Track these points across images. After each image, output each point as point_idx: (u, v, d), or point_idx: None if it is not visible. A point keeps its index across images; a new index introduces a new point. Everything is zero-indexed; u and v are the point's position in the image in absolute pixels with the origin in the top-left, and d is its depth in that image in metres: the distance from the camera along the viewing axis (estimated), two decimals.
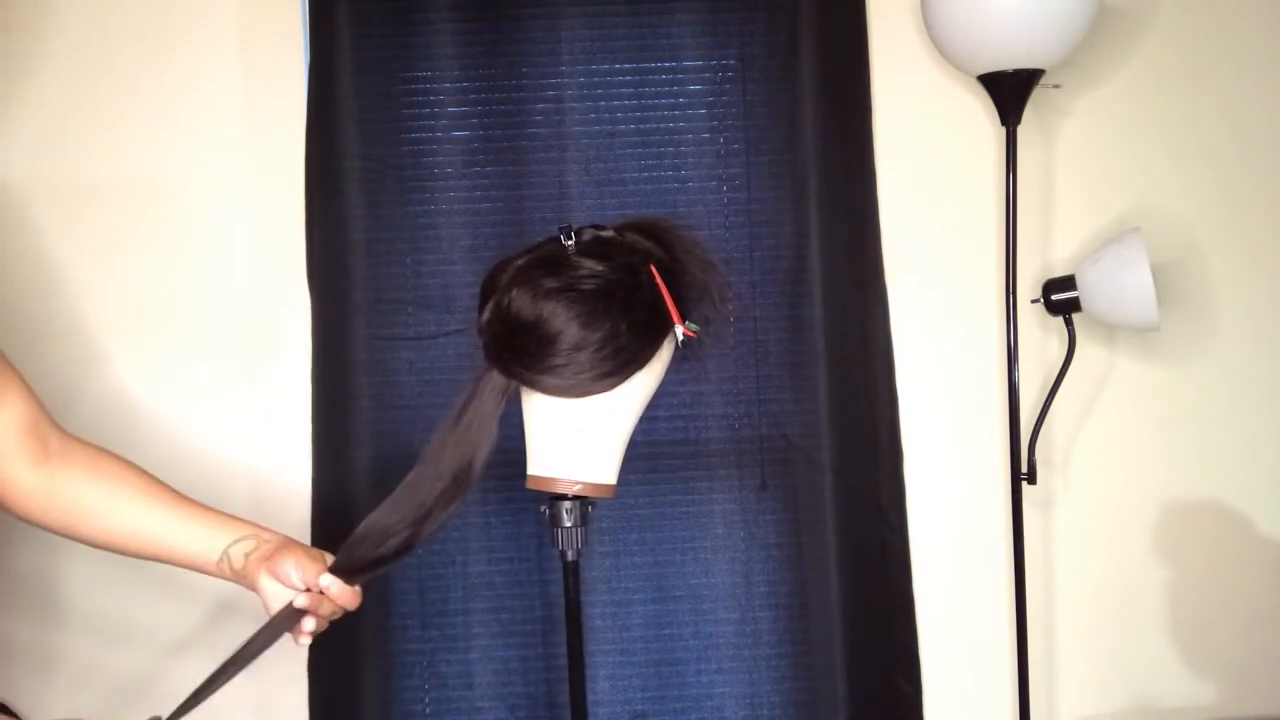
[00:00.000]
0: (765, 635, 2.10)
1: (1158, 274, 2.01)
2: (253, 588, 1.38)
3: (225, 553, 1.38)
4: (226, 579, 1.40)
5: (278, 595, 1.36)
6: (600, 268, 1.42)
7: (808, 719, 2.10)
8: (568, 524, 1.55)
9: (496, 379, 1.47)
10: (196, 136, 2.03)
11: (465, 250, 2.02)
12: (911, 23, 2.07)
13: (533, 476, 1.52)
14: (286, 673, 2.02)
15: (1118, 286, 1.89)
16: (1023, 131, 1.97)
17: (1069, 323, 1.99)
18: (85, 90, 2.01)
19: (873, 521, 2.09)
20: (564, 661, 1.77)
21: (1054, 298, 1.98)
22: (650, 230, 1.51)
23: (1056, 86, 2.05)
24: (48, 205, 2.00)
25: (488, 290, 1.49)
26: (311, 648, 1.98)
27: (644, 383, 1.48)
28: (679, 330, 1.47)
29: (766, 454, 2.08)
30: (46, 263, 2.01)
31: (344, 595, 1.38)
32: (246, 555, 1.38)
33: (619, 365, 1.42)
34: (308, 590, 1.35)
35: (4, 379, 1.39)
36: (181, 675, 2.01)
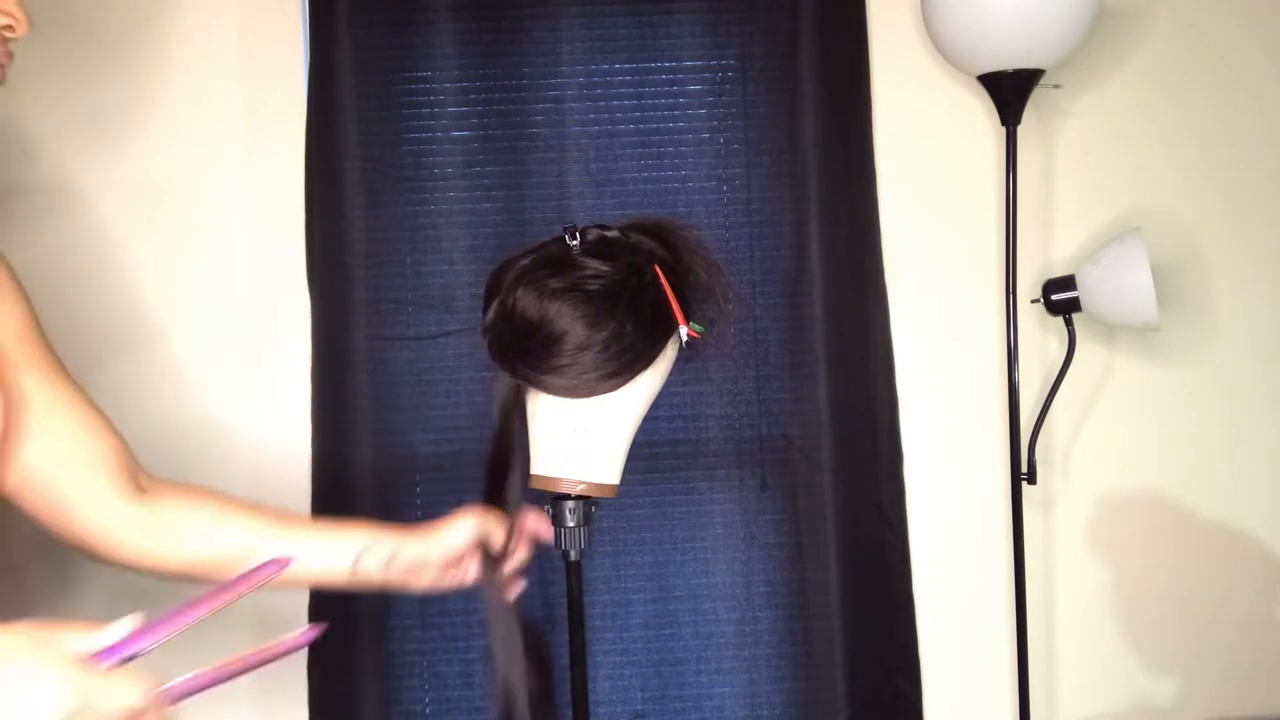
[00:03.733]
0: (765, 635, 2.10)
1: (1158, 274, 2.01)
2: (413, 589, 1.40)
3: (357, 563, 1.36)
4: (359, 587, 1.39)
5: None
6: (605, 268, 1.42)
7: (808, 719, 2.10)
8: (570, 524, 1.55)
9: (506, 380, 1.48)
10: (196, 137, 2.02)
11: (465, 250, 2.02)
12: (911, 23, 2.08)
13: (536, 476, 1.52)
14: (286, 673, 2.02)
15: (1118, 286, 1.89)
16: (1023, 131, 1.97)
17: (1069, 323, 1.99)
18: (85, 90, 2.01)
19: (873, 521, 2.09)
20: (564, 661, 1.77)
21: (1054, 298, 1.98)
22: (655, 231, 1.51)
23: (1056, 86, 2.05)
24: (47, 206, 2.00)
25: (492, 290, 1.49)
26: (311, 647, 1.98)
27: (648, 383, 1.48)
28: (683, 331, 1.47)
29: (766, 454, 2.08)
30: (46, 263, 2.00)
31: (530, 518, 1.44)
32: (386, 562, 1.37)
33: (624, 365, 1.42)
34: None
35: (95, 413, 1.34)
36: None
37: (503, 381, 1.50)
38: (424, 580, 1.40)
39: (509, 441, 1.51)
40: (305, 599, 1.98)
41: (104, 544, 1.31)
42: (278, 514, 1.38)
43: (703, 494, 2.09)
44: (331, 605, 1.98)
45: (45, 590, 2.02)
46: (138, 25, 2.01)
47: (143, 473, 1.37)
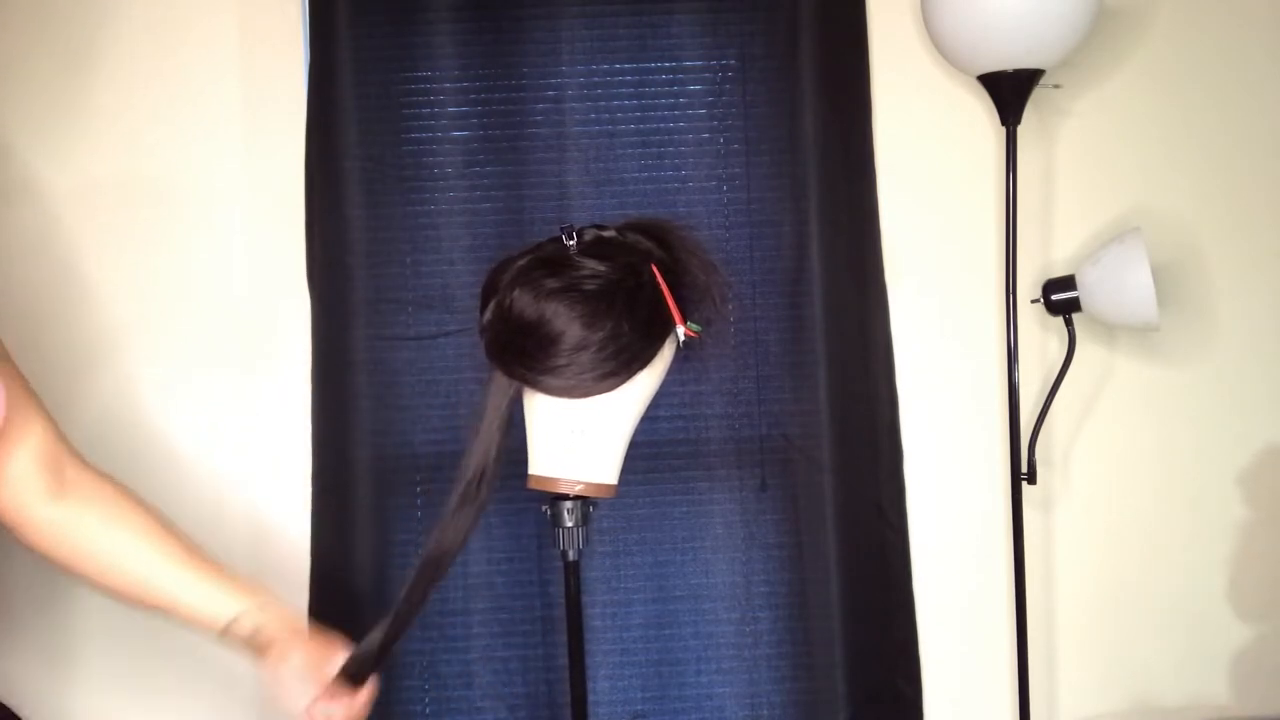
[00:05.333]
0: (765, 635, 2.10)
1: (1158, 274, 2.01)
2: (256, 664, 1.37)
3: (231, 624, 1.36)
4: (226, 646, 1.38)
5: (282, 687, 1.36)
6: (602, 268, 1.42)
7: (807, 719, 2.10)
8: (569, 524, 1.55)
9: (501, 381, 1.48)
10: (196, 137, 2.02)
11: (465, 250, 2.02)
12: (911, 23, 2.07)
13: (534, 476, 1.52)
14: None
15: (1118, 286, 1.89)
16: (1023, 131, 1.97)
17: (1069, 323, 1.99)
18: (85, 90, 2.01)
19: (873, 521, 2.09)
20: (564, 661, 1.77)
21: (1054, 298, 1.98)
22: (652, 230, 1.51)
23: (1056, 86, 2.05)
24: (46, 206, 2.00)
25: (489, 290, 1.49)
26: None
27: (645, 383, 1.48)
28: (680, 330, 1.47)
29: (766, 454, 2.08)
30: (46, 263, 2.01)
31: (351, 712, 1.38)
32: (253, 633, 1.36)
33: (621, 365, 1.43)
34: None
35: (26, 409, 1.35)
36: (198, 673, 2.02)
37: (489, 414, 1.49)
38: (272, 664, 1.37)
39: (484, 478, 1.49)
40: (305, 598, 1.98)
41: (24, 538, 1.35)
42: (182, 551, 1.38)
43: (703, 494, 2.09)
44: (332, 604, 1.98)
45: (34, 603, 2.02)
46: (138, 26, 2.01)
47: (71, 463, 1.38)
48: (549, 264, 1.44)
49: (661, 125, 2.07)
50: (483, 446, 1.47)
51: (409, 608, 1.45)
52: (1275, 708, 2.15)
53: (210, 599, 1.36)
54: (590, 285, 1.41)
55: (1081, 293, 1.95)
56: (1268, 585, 2.16)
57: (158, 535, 1.38)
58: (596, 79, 2.06)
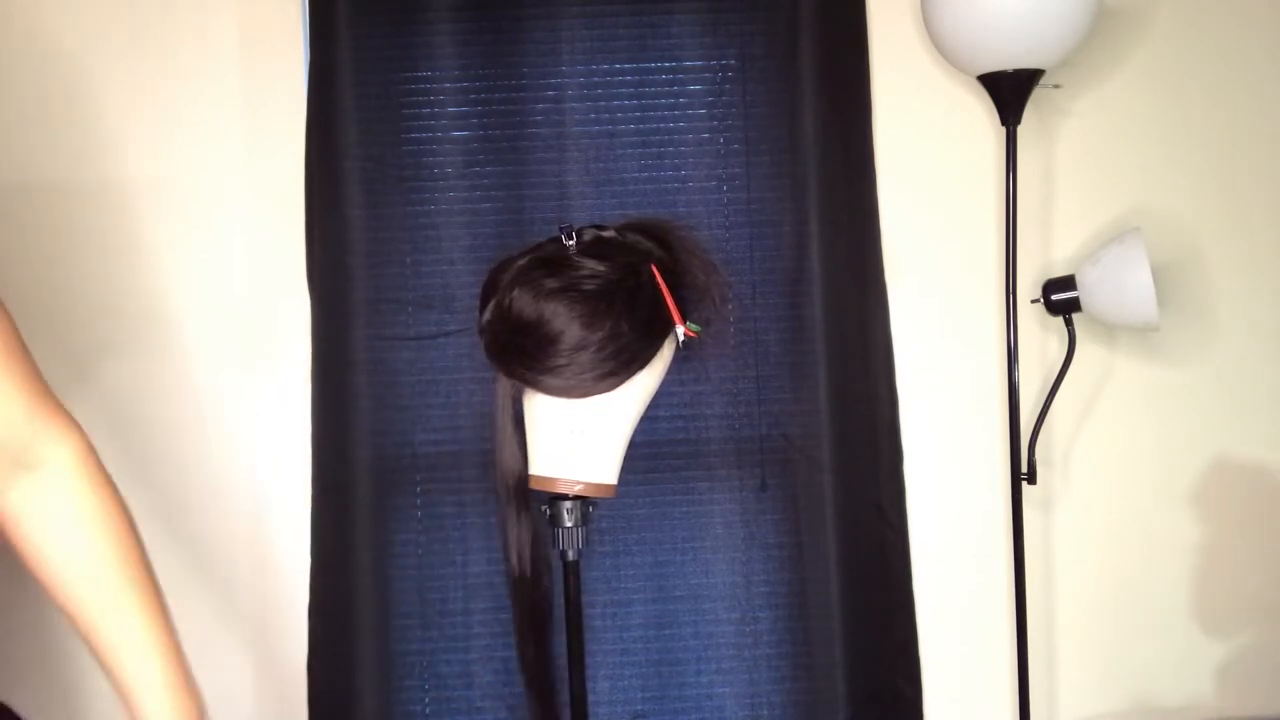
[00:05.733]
0: (765, 635, 2.10)
1: (1158, 274, 2.01)
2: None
3: (123, 668, 1.16)
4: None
5: None
6: (601, 268, 1.43)
7: (807, 719, 2.10)
8: (568, 524, 1.56)
9: (504, 383, 1.48)
10: (196, 137, 2.02)
11: (465, 250, 2.02)
12: (911, 23, 2.07)
13: (534, 476, 1.52)
14: (286, 672, 2.02)
15: (1118, 286, 1.89)
16: (1023, 131, 1.97)
17: (1069, 323, 1.99)
18: (85, 89, 2.01)
19: (873, 521, 2.09)
20: (564, 661, 1.77)
21: (1054, 298, 1.98)
22: (651, 231, 1.51)
23: (1056, 86, 2.05)
24: (47, 206, 2.00)
25: (489, 290, 1.50)
26: (311, 646, 1.99)
27: (645, 383, 1.48)
28: (680, 330, 1.47)
29: (766, 454, 2.08)
30: (47, 263, 2.01)
31: None
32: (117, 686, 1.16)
33: (620, 365, 1.43)
34: None
35: None
36: None
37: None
38: None
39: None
40: (305, 598, 1.98)
41: None
42: (137, 579, 1.18)
43: (703, 494, 2.09)
44: (332, 604, 1.98)
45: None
46: (137, 25, 2.01)
47: (47, 448, 1.22)
48: (549, 264, 1.45)
49: (661, 125, 2.07)
50: (508, 453, 1.48)
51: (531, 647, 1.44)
52: (1275, 708, 2.15)
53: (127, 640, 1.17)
54: (590, 285, 1.42)
55: (1081, 293, 1.95)
56: (1268, 585, 2.16)
57: (116, 571, 1.17)
58: (596, 79, 2.06)
